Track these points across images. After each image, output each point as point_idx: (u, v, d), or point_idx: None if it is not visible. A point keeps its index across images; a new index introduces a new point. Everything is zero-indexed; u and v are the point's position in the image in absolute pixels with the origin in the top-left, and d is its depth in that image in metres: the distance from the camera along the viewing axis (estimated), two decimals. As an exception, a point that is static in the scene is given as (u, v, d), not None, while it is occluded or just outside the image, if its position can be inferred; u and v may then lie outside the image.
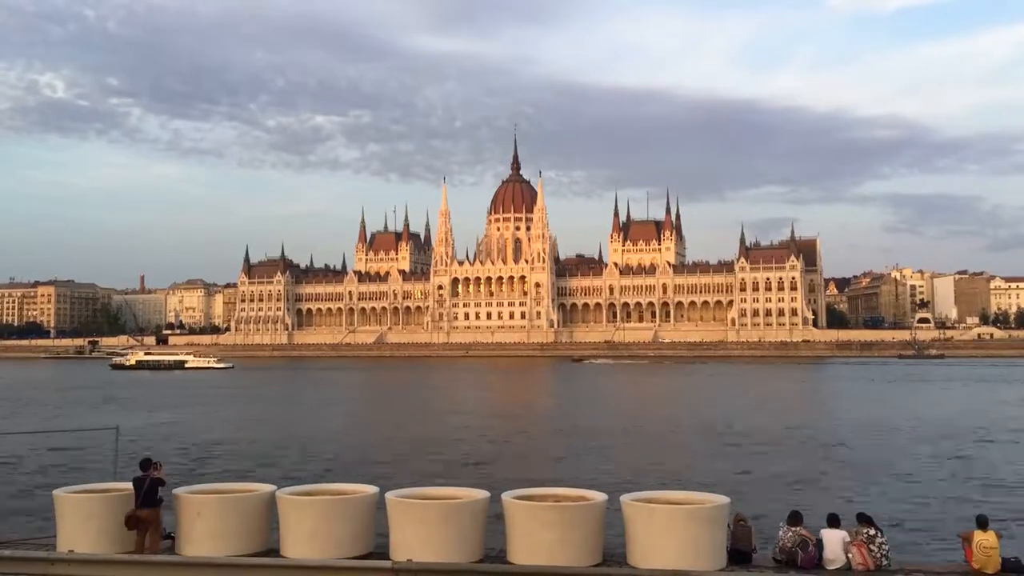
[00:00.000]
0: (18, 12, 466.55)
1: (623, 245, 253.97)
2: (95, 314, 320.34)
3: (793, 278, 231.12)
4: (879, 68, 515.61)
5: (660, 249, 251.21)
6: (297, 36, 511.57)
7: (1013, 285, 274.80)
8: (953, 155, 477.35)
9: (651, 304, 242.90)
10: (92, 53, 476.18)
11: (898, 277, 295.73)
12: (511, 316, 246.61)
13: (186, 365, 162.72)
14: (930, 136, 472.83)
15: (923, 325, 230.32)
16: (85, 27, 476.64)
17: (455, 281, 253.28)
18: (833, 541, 14.18)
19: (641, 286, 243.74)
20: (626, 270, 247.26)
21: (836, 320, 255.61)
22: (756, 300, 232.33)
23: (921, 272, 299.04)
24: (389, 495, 13.99)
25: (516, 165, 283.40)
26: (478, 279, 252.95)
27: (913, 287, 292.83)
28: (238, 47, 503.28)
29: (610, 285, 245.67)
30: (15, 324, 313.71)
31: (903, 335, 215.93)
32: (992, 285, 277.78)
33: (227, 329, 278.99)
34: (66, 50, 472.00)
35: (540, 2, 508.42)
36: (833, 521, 14.53)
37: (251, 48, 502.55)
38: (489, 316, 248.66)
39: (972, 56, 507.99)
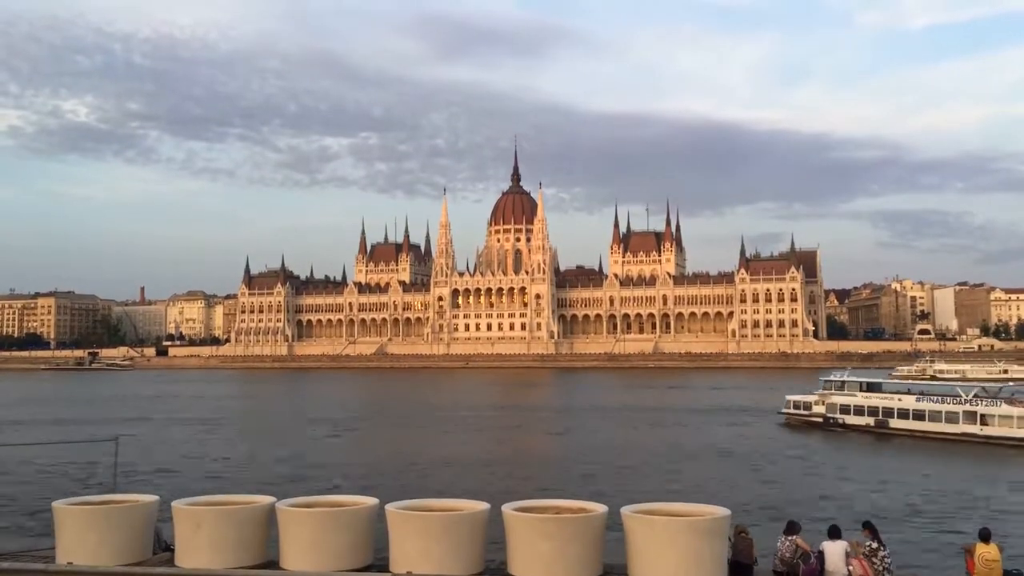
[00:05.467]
0: (49, 45, 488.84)
1: (623, 256, 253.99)
2: (95, 325, 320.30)
3: (793, 289, 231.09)
4: (875, 89, 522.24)
5: (660, 260, 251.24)
6: (310, 67, 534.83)
7: (1014, 297, 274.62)
8: (937, 173, 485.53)
9: (651, 315, 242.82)
10: (115, 82, 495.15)
11: (898, 288, 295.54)
12: (511, 327, 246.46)
13: None
14: (914, 155, 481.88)
15: (924, 336, 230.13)
16: (111, 59, 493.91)
17: (455, 292, 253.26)
18: (834, 553, 14.13)
19: (641, 297, 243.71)
20: (626, 281, 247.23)
21: (836, 331, 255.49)
22: (756, 311, 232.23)
23: (921, 284, 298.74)
24: (389, 507, 13.96)
25: (516, 177, 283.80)
26: (478, 290, 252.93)
27: (913, 298, 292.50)
28: (254, 76, 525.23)
29: (610, 296, 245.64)
30: (15, 335, 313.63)
31: (904, 346, 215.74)
32: (992, 296, 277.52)
33: (227, 340, 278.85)
34: (91, 79, 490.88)
35: (534, 37, 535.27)
36: (834, 533, 14.49)
37: (266, 77, 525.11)
38: (489, 327, 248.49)
39: (971, 77, 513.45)
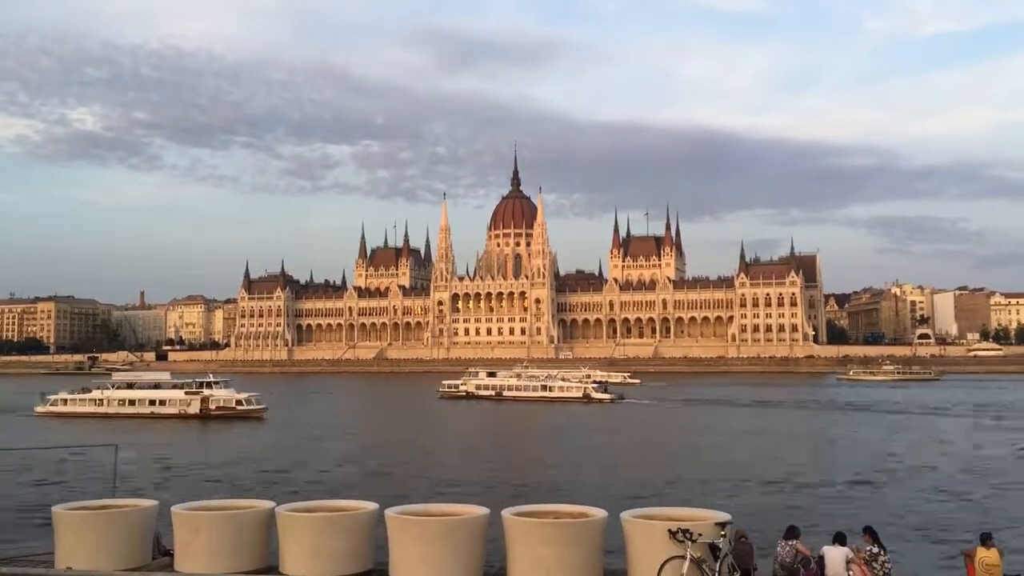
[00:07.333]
0: (59, 57, 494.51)
1: (623, 261, 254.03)
2: (95, 330, 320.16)
3: (793, 294, 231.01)
4: (879, 96, 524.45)
5: (660, 265, 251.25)
6: (314, 78, 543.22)
7: (1013, 301, 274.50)
8: (932, 179, 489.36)
9: (651, 320, 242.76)
10: (122, 91, 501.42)
11: (898, 293, 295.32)
12: (511, 332, 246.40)
13: None
14: (908, 162, 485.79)
15: (923, 341, 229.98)
16: (118, 70, 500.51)
17: (455, 297, 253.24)
18: (835, 559, 14.10)
19: (641, 302, 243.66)
20: (626, 286, 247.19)
21: (836, 336, 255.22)
22: (756, 316, 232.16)
23: (921, 288, 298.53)
24: (389, 512, 13.93)
25: (516, 181, 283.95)
26: (478, 295, 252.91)
27: (913, 303, 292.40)
28: (259, 86, 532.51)
29: (610, 301, 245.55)
30: (15, 340, 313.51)
31: (904, 351, 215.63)
32: (992, 301, 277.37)
33: (227, 345, 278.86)
34: (99, 89, 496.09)
35: (536, 48, 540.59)
36: (839, 538, 14.46)
37: (271, 87, 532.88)
38: (489, 332, 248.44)
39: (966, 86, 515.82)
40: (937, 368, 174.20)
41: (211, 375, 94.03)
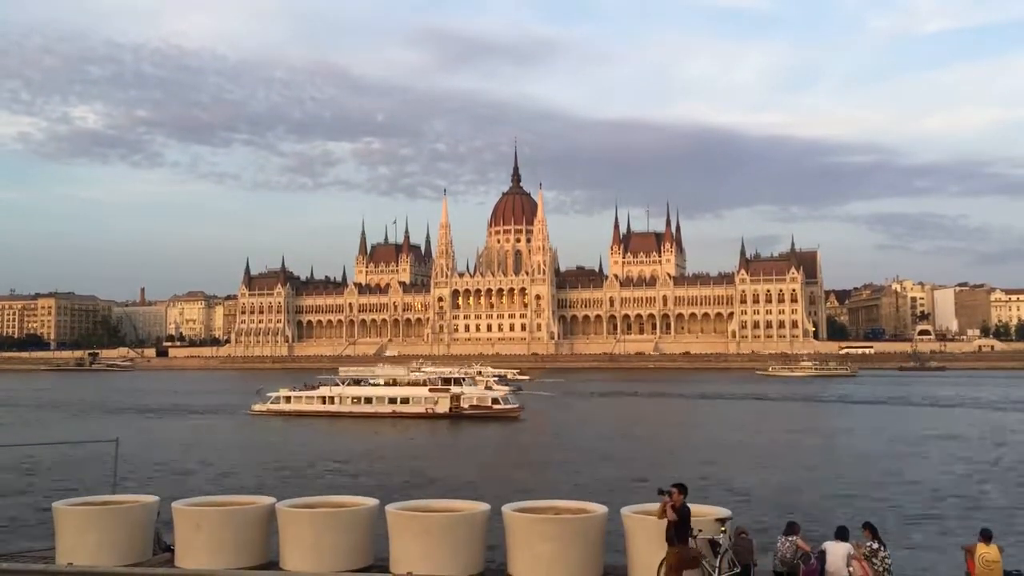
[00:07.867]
0: (62, 56, 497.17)
1: (623, 257, 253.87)
2: (95, 326, 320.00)
3: (793, 290, 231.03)
4: (881, 94, 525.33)
5: (660, 261, 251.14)
6: (315, 77, 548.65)
7: (1014, 297, 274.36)
8: (931, 176, 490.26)
9: (651, 316, 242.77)
10: (124, 89, 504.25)
11: (898, 289, 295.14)
12: (511, 328, 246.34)
13: None
14: (908, 159, 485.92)
15: (924, 337, 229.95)
16: (121, 68, 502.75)
17: (455, 293, 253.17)
18: (836, 554, 14.09)
19: (641, 298, 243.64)
20: (626, 282, 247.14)
21: (837, 332, 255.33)
22: (756, 312, 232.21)
23: (921, 284, 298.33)
24: (389, 507, 13.96)
25: (516, 177, 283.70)
26: (478, 291, 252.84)
27: (914, 299, 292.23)
28: (260, 85, 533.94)
29: (610, 297, 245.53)
30: (15, 336, 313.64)
31: (904, 347, 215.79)
32: (992, 297, 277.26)
33: (227, 341, 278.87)
34: (101, 87, 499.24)
35: (537, 47, 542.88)
36: (841, 534, 14.45)
37: (272, 85, 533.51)
38: (489, 328, 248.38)
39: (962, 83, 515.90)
40: (855, 365, 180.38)
41: (455, 371, 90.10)
